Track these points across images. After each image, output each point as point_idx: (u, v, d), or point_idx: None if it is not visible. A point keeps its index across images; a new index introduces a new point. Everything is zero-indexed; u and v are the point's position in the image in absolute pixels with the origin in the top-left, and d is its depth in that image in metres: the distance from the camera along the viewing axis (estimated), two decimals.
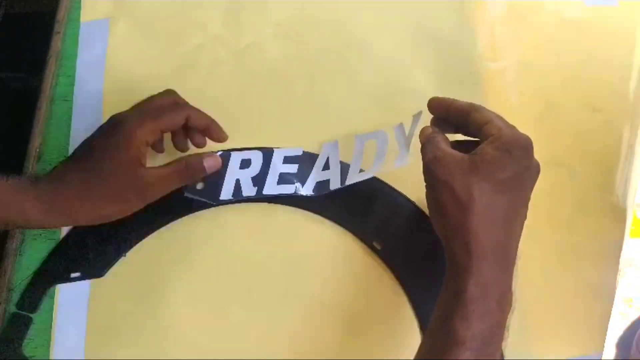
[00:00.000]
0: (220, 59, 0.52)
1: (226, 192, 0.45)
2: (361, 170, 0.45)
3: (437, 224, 0.38)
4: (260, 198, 0.46)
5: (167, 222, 0.46)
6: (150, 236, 0.45)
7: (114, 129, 0.40)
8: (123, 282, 0.44)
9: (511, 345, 0.43)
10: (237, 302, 0.44)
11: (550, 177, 0.48)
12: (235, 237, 0.46)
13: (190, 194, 0.44)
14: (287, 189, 0.46)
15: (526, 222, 0.46)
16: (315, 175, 0.46)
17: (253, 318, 0.44)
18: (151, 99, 0.43)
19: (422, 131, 0.41)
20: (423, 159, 0.39)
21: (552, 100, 0.51)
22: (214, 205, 0.46)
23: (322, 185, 0.46)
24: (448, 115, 0.41)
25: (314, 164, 0.47)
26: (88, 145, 0.41)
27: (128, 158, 0.39)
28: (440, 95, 0.42)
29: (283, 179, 0.46)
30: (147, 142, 0.40)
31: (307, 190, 0.46)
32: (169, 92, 0.44)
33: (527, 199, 0.38)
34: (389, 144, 0.45)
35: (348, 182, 0.45)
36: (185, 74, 0.51)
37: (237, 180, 0.45)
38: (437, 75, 0.52)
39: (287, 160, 0.46)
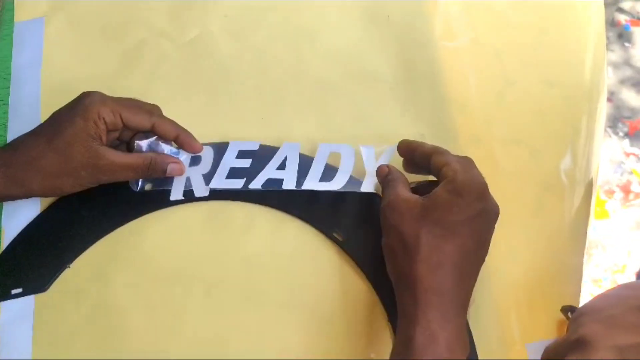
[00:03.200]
0: (165, 54, 0.50)
1: (176, 193, 0.43)
2: (321, 180, 0.44)
3: (389, 270, 0.39)
4: (211, 197, 0.44)
5: (113, 228, 0.43)
6: (95, 244, 0.43)
7: (77, 102, 0.40)
8: (70, 295, 0.42)
9: (481, 328, 0.42)
10: (195, 305, 0.42)
11: (512, 156, 0.47)
12: (188, 238, 0.44)
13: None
14: (236, 184, 0.44)
15: None
16: (268, 172, 0.44)
17: (212, 321, 0.42)
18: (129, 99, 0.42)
19: (378, 170, 0.42)
20: (381, 203, 0.40)
21: (510, 77, 0.50)
22: (163, 207, 0.43)
23: (273, 182, 0.44)
24: (414, 157, 0.41)
25: (269, 160, 0.44)
26: (52, 116, 0.40)
27: (85, 130, 0.39)
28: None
29: (233, 173, 0.44)
30: (104, 119, 0.39)
31: (256, 184, 0.44)
32: (153, 106, 0.43)
33: (484, 242, 0.38)
34: (355, 163, 0.44)
35: (304, 187, 0.44)
36: (128, 71, 0.49)
37: (187, 179, 0.43)
38: (393, 57, 0.50)
39: (241, 154, 0.44)
